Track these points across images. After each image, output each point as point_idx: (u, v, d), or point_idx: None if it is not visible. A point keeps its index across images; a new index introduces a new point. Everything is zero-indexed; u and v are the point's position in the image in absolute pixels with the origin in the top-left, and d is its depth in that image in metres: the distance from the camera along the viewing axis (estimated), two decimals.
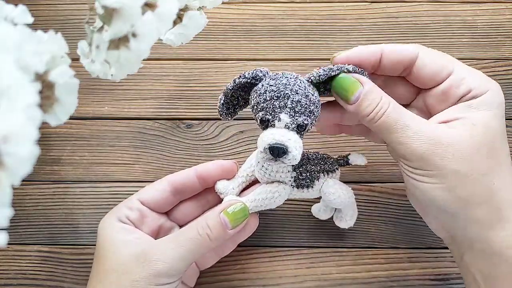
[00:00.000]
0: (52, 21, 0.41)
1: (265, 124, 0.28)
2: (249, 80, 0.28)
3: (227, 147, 0.38)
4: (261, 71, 0.28)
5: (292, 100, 0.27)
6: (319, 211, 0.34)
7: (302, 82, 0.27)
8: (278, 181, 0.31)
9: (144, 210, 0.32)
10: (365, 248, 0.35)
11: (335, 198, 0.31)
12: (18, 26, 0.18)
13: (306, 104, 0.27)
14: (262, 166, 0.31)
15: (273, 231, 0.36)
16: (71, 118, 0.21)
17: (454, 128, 0.27)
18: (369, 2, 0.41)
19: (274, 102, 0.27)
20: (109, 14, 0.19)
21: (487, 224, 0.26)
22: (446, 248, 0.35)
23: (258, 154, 0.30)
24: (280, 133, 0.27)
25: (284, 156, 0.27)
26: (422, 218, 0.30)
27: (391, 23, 0.40)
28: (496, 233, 0.26)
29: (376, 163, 0.37)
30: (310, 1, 0.41)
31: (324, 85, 0.29)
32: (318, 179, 0.31)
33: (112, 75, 0.21)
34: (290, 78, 0.27)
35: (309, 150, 0.32)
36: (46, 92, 0.19)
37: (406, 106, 0.30)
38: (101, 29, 0.20)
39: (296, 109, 0.27)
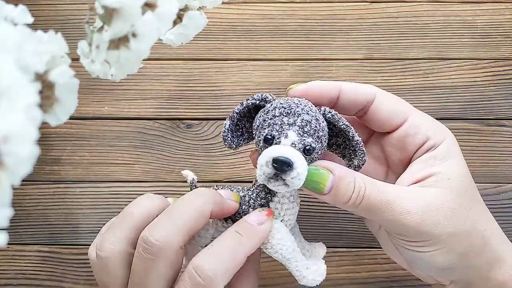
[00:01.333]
0: (52, 21, 0.41)
1: (270, 142, 0.25)
2: (257, 102, 0.27)
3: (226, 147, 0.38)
4: (270, 95, 0.27)
5: (303, 119, 0.25)
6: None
7: (313, 106, 0.26)
8: None
9: None
10: (365, 248, 0.35)
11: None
12: (18, 26, 0.18)
13: (316, 126, 0.25)
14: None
15: None
16: (71, 118, 0.21)
17: (432, 187, 0.26)
18: (369, 2, 0.41)
19: (283, 118, 0.25)
20: (109, 14, 0.19)
21: (486, 268, 0.27)
22: None
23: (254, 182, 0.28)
24: (286, 149, 0.25)
25: (288, 172, 0.24)
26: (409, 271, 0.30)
27: (391, 23, 0.40)
28: (496, 271, 0.27)
29: None
30: (310, 1, 0.41)
31: (329, 136, 0.28)
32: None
33: (112, 75, 0.21)
34: (302, 100, 0.26)
35: None
36: (46, 92, 0.19)
37: None
38: (101, 29, 0.20)
39: (305, 129, 0.25)
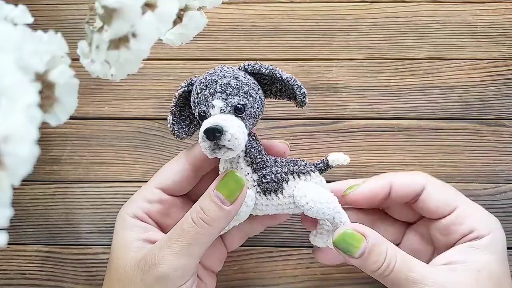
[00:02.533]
0: (52, 21, 0.41)
1: (203, 118, 0.27)
2: (186, 88, 0.28)
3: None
4: (195, 76, 0.28)
5: (221, 84, 0.26)
6: (314, 236, 0.30)
7: (230, 68, 0.27)
8: None
9: (166, 200, 0.29)
10: None
11: (307, 202, 0.27)
12: (18, 26, 0.18)
13: (237, 84, 0.26)
14: (223, 168, 0.28)
15: (273, 231, 0.36)
16: (71, 118, 0.21)
17: (458, 273, 0.26)
18: (369, 2, 0.41)
19: (204, 92, 0.27)
20: (109, 14, 0.19)
21: None
22: None
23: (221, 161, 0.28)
24: (215, 118, 0.26)
25: (221, 137, 0.25)
26: None
27: (391, 23, 0.40)
28: None
29: (376, 163, 0.37)
30: (310, 1, 0.41)
31: (267, 86, 0.29)
32: (287, 182, 0.27)
33: (112, 75, 0.21)
34: (217, 67, 0.27)
35: (291, 152, 0.31)
36: (46, 92, 0.19)
37: (407, 229, 0.31)
38: (101, 29, 0.20)
39: (227, 91, 0.26)
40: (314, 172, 0.28)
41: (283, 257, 0.35)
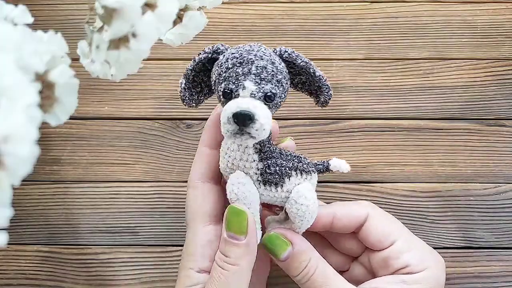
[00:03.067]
0: (52, 21, 0.41)
1: (229, 96, 0.25)
2: (210, 56, 0.26)
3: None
4: (222, 45, 0.26)
5: (257, 66, 0.24)
6: (272, 221, 0.30)
7: (267, 49, 0.25)
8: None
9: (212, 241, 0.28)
10: None
11: (303, 204, 0.27)
12: (18, 26, 0.18)
13: (272, 71, 0.25)
14: (225, 153, 0.27)
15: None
16: (71, 118, 0.21)
17: None
18: (369, 2, 0.41)
19: (237, 69, 0.24)
20: (109, 14, 0.19)
21: None
22: (446, 248, 0.35)
23: (223, 135, 0.26)
24: (245, 101, 0.24)
25: (250, 124, 0.23)
26: None
27: (391, 23, 0.40)
28: None
29: (376, 163, 0.37)
30: (310, 1, 0.41)
31: (292, 75, 0.27)
32: (289, 177, 0.27)
33: (112, 75, 0.21)
34: (254, 45, 0.25)
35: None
36: (46, 92, 0.19)
37: (354, 259, 0.32)
38: (101, 29, 0.20)
39: (262, 75, 0.24)
40: (314, 173, 0.28)
41: None
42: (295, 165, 0.27)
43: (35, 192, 0.37)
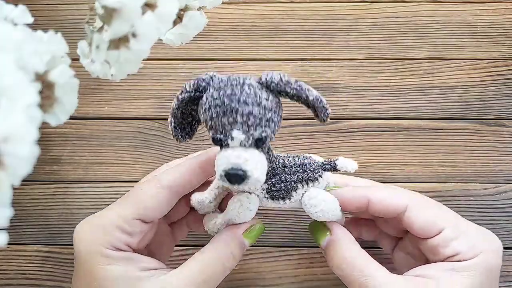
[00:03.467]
0: (52, 21, 0.41)
1: (219, 143, 0.24)
2: (192, 94, 0.24)
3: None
4: (203, 79, 0.24)
5: (242, 114, 0.23)
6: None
7: (250, 87, 0.23)
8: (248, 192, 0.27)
9: (145, 230, 0.27)
10: (365, 248, 0.35)
11: (316, 211, 0.27)
12: (18, 26, 0.18)
13: (259, 113, 0.23)
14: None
15: (273, 231, 0.36)
16: (71, 118, 0.21)
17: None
18: (369, 2, 0.41)
19: (221, 118, 0.23)
20: (109, 14, 0.19)
21: None
22: None
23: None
24: (235, 155, 0.23)
25: (244, 182, 0.23)
26: None
27: (391, 23, 0.40)
28: None
29: (376, 163, 0.37)
30: (310, 1, 0.41)
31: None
32: (296, 190, 0.27)
33: (112, 75, 0.21)
34: (236, 86, 0.23)
35: (290, 153, 0.30)
36: (46, 92, 0.19)
37: (396, 243, 0.31)
38: (101, 29, 0.20)
39: (249, 122, 0.23)
40: (321, 177, 0.28)
41: (283, 257, 0.35)
42: (299, 177, 0.27)
43: (35, 192, 0.37)
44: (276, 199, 0.27)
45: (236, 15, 0.41)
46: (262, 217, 0.36)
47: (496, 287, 0.27)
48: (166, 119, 0.39)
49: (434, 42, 0.40)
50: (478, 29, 0.40)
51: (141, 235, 0.27)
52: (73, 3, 0.41)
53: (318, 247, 0.35)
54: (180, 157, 0.38)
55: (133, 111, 0.39)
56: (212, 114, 0.23)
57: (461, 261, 0.27)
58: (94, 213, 0.36)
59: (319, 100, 0.24)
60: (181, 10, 0.24)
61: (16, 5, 0.19)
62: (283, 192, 0.27)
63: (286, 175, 0.27)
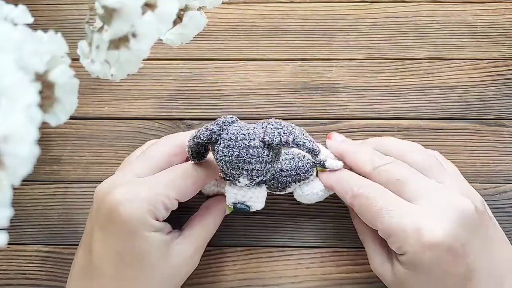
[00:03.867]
0: (52, 21, 0.41)
1: (229, 179, 0.30)
2: (205, 143, 0.29)
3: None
4: (214, 132, 0.28)
5: (247, 169, 0.28)
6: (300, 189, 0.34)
7: (254, 150, 0.28)
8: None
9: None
10: (364, 248, 0.35)
11: (305, 201, 0.34)
12: (18, 26, 0.18)
13: (261, 169, 0.29)
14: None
15: (273, 231, 0.36)
16: (71, 118, 0.21)
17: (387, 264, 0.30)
18: (369, 2, 0.41)
19: (231, 170, 0.29)
20: (109, 14, 0.19)
21: None
22: None
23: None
24: (241, 194, 0.31)
25: (247, 210, 0.31)
26: None
27: (391, 23, 0.40)
28: None
29: None
30: (310, 1, 0.41)
31: None
32: (290, 187, 0.33)
33: (112, 75, 0.21)
34: (242, 148, 0.28)
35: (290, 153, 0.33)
36: (46, 92, 0.19)
37: None
38: (101, 29, 0.20)
39: (252, 174, 0.29)
40: (311, 175, 0.33)
41: (283, 257, 0.35)
42: (294, 179, 0.32)
43: (35, 192, 0.37)
44: (273, 190, 0.33)
45: (236, 15, 0.41)
46: (262, 217, 0.36)
47: (449, 267, 0.27)
48: (166, 119, 0.39)
49: (434, 42, 0.40)
50: (478, 29, 0.40)
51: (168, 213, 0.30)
52: (73, 3, 0.41)
53: (318, 247, 0.35)
54: None
55: (133, 111, 0.39)
56: (223, 165, 0.29)
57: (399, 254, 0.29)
58: None
59: (310, 145, 0.28)
60: (181, 10, 0.24)
61: (16, 5, 0.19)
62: (280, 187, 0.33)
63: (282, 178, 0.32)
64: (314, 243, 0.36)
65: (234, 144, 0.28)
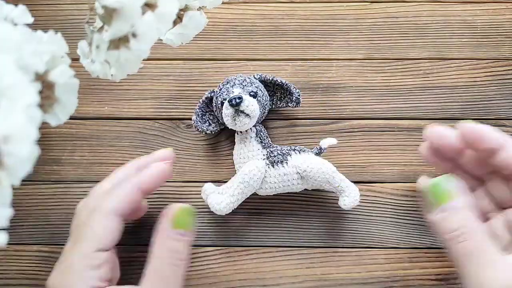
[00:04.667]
0: (52, 21, 0.41)
1: (221, 102, 0.34)
2: (209, 95, 0.36)
3: (227, 146, 0.38)
4: (213, 91, 0.36)
5: (239, 79, 0.35)
6: (344, 200, 0.33)
7: (243, 75, 0.35)
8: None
9: (108, 257, 0.28)
10: (365, 248, 0.35)
11: (308, 165, 0.33)
12: (18, 26, 0.18)
13: (251, 80, 0.35)
14: (238, 156, 0.35)
15: (273, 231, 0.36)
16: (71, 118, 0.21)
17: None
18: (369, 2, 0.41)
19: (225, 85, 0.35)
20: (109, 14, 0.19)
21: None
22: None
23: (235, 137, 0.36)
24: (236, 92, 0.34)
25: (240, 103, 0.32)
26: None
27: (391, 23, 0.40)
28: None
29: (376, 163, 0.37)
30: (310, 1, 0.41)
31: (270, 94, 0.37)
32: (290, 156, 0.34)
33: (112, 75, 0.21)
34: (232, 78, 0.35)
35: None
36: (46, 92, 0.19)
37: (476, 186, 0.30)
38: (101, 29, 0.20)
39: (243, 83, 0.34)
40: (311, 152, 0.35)
41: (283, 257, 0.35)
42: (292, 148, 0.34)
43: (35, 192, 0.37)
44: (276, 164, 0.34)
45: (236, 15, 0.41)
46: (263, 217, 0.36)
47: None
48: (166, 119, 0.39)
49: (434, 42, 0.40)
50: (478, 29, 0.40)
51: (108, 264, 0.28)
52: (73, 3, 0.41)
53: (318, 247, 0.35)
54: (180, 157, 0.38)
55: (133, 111, 0.39)
56: (220, 86, 0.35)
57: None
58: None
59: (289, 83, 0.36)
60: (181, 10, 0.24)
61: (16, 5, 0.20)
62: (280, 156, 0.34)
63: (282, 147, 0.35)
64: (314, 243, 0.36)
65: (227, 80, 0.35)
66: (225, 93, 0.34)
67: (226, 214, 0.34)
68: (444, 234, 0.27)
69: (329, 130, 0.38)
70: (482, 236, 0.26)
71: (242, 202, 0.34)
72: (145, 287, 0.27)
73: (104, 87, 0.39)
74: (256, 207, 0.36)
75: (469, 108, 0.38)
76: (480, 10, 0.40)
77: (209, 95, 0.36)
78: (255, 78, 0.36)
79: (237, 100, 0.32)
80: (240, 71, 0.39)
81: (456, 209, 0.26)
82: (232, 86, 0.34)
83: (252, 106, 0.33)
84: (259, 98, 0.34)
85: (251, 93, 0.34)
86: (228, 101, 0.33)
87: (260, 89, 0.35)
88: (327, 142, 0.34)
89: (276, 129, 0.38)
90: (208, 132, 0.36)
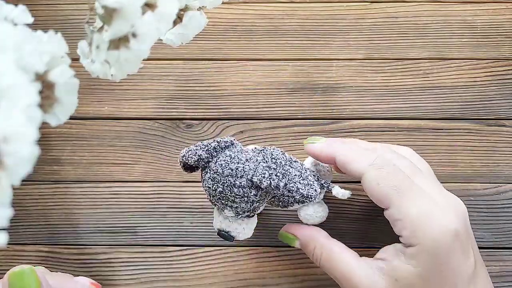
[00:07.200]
0: (52, 21, 0.41)
1: (214, 205, 0.30)
2: (192, 164, 0.29)
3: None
4: (202, 159, 0.28)
5: (232, 206, 0.28)
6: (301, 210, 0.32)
7: (240, 189, 0.27)
8: None
9: None
10: (365, 248, 0.35)
11: (306, 222, 0.32)
12: (18, 26, 0.18)
13: (247, 207, 0.28)
14: None
15: (273, 231, 0.36)
16: (71, 118, 0.21)
17: (379, 276, 0.27)
18: (369, 2, 0.41)
19: (217, 199, 0.28)
20: (109, 14, 0.19)
21: None
22: None
23: None
24: (226, 223, 0.30)
25: (231, 240, 0.30)
26: None
27: (391, 23, 0.40)
28: None
29: None
30: (310, 1, 0.41)
31: None
32: (292, 205, 0.31)
33: (112, 75, 0.21)
34: (226, 186, 0.27)
35: (291, 153, 0.32)
36: (46, 92, 0.19)
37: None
38: (101, 29, 0.20)
39: (237, 210, 0.28)
40: (315, 199, 0.31)
41: (283, 257, 0.35)
42: (296, 199, 0.30)
43: (35, 192, 0.37)
44: (276, 206, 0.31)
45: (236, 15, 0.41)
46: (262, 216, 0.36)
47: (460, 263, 0.26)
48: (166, 119, 0.39)
49: (434, 42, 0.40)
50: (478, 29, 0.40)
51: None
52: (73, 3, 0.41)
53: None
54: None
55: (133, 111, 0.39)
56: (211, 191, 0.28)
57: (405, 245, 0.27)
58: (94, 213, 0.37)
59: (294, 190, 0.28)
60: (181, 10, 0.24)
61: (16, 5, 0.19)
62: (282, 205, 0.31)
63: (285, 197, 0.30)
64: None
65: (219, 178, 0.27)
66: (216, 203, 0.29)
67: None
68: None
69: (329, 130, 0.38)
70: (332, 254, 0.30)
71: None
72: None
73: (104, 87, 0.39)
74: None
75: (469, 108, 0.38)
76: (480, 10, 0.40)
77: (192, 164, 0.29)
78: (257, 187, 0.28)
79: (229, 239, 0.30)
80: (240, 71, 0.39)
81: (302, 244, 0.31)
82: (224, 206, 0.28)
83: (244, 234, 0.30)
84: (254, 212, 0.30)
85: (243, 216, 0.30)
86: (217, 233, 0.30)
87: (253, 201, 0.28)
88: (338, 193, 0.31)
89: (276, 129, 0.38)
90: (187, 172, 0.31)
